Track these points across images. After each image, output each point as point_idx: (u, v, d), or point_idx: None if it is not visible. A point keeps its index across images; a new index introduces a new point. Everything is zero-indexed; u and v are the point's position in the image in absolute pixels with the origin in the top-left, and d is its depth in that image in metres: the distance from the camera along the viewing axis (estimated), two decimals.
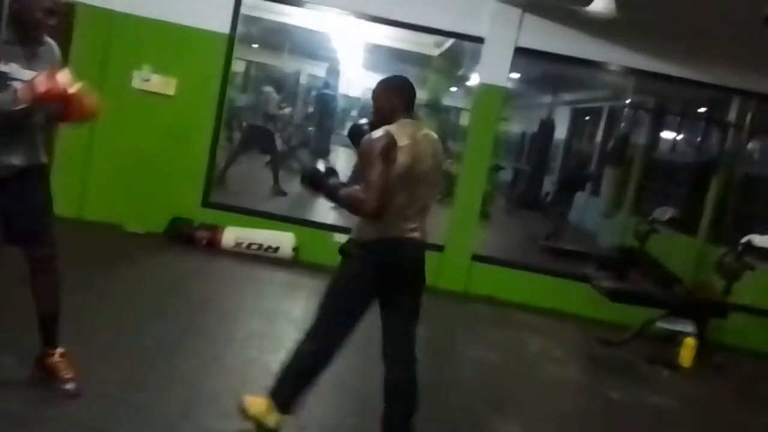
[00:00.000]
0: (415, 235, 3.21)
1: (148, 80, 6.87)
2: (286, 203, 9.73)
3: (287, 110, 13.03)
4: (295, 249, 6.89)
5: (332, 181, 3.27)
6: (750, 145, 9.19)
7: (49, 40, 3.29)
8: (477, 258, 7.15)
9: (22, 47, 3.11)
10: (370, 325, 3.27)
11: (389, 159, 3.02)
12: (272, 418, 3.29)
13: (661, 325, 6.49)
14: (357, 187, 3.14)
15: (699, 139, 10.81)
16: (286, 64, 14.67)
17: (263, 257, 6.77)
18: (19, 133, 3.16)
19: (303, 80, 15.58)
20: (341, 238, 7.53)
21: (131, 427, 3.22)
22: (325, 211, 8.38)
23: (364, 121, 3.49)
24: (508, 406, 4.35)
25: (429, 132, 3.29)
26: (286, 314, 5.38)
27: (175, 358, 4.08)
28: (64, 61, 6.47)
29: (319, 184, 3.29)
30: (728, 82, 7.16)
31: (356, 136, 3.38)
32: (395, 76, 3.40)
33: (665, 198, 9.80)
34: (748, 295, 6.85)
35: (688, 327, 6.41)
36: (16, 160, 3.18)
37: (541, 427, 4.29)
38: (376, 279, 3.19)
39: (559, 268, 7.54)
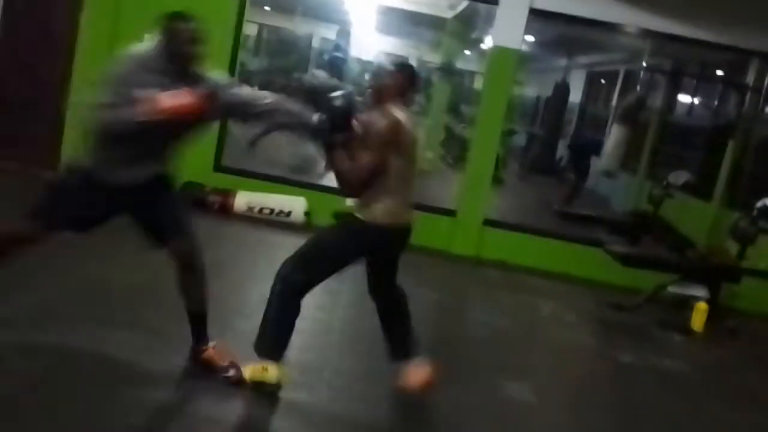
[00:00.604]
0: (407, 219, 3.44)
1: None
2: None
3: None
4: (307, 213, 6.90)
5: (337, 136, 3.29)
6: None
7: (199, 70, 3.35)
8: (489, 223, 7.13)
9: (169, 77, 3.19)
10: None
11: (391, 148, 3.22)
12: (271, 374, 3.37)
13: (674, 289, 6.47)
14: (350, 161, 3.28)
15: (716, 102, 10.65)
16: (298, 27, 14.55)
17: (275, 222, 6.78)
18: (149, 143, 3.26)
19: (315, 43, 15.47)
20: (352, 202, 7.49)
21: (141, 395, 3.25)
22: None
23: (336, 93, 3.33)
24: (518, 369, 4.37)
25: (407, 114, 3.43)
26: None
27: (188, 324, 4.11)
28: (75, 23, 6.44)
29: (327, 132, 3.29)
30: (746, 44, 7.04)
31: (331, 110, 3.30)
32: (403, 62, 3.65)
33: (680, 162, 9.69)
34: (762, 260, 6.81)
35: (700, 291, 6.38)
36: (147, 169, 3.33)
37: (550, 390, 4.31)
38: (359, 253, 3.44)
39: (572, 232, 7.51)
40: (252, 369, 3.40)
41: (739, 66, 9.21)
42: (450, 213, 7.16)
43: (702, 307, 6.07)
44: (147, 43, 3.34)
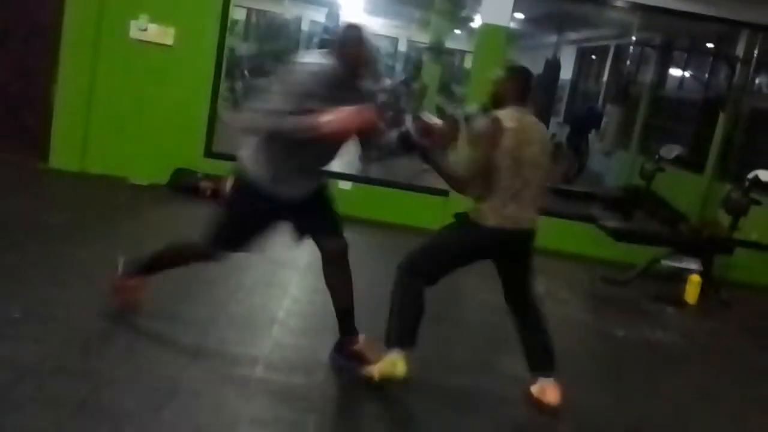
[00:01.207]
0: (524, 224, 3.42)
1: (145, 30, 6.80)
2: None
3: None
4: None
5: (437, 153, 3.46)
6: (758, 80, 9.04)
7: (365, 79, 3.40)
8: (482, 201, 7.12)
9: (342, 90, 3.22)
10: None
11: (493, 145, 3.27)
12: (398, 368, 3.39)
13: (667, 262, 6.51)
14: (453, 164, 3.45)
15: (706, 74, 10.64)
16: (287, 10, 14.46)
17: None
18: (314, 155, 3.36)
19: (305, 27, 15.37)
20: (346, 186, 7.52)
21: (140, 374, 3.27)
22: None
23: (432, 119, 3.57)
24: (513, 346, 4.37)
25: (535, 119, 3.48)
26: (292, 263, 5.41)
27: (181, 306, 4.12)
28: (60, 14, 6.39)
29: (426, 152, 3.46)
30: (736, 16, 7.02)
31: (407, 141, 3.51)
32: (518, 66, 3.74)
33: (672, 136, 9.70)
34: (755, 231, 6.84)
35: (693, 264, 6.42)
36: (311, 183, 3.46)
37: None
38: (480, 252, 3.50)
39: (565, 209, 7.52)
40: (380, 366, 3.42)
41: (728, 38, 9.20)
42: (443, 193, 7.16)
43: (695, 279, 6.10)
44: (317, 55, 3.43)
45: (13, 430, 2.69)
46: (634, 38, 11.13)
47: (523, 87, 3.47)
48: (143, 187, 6.82)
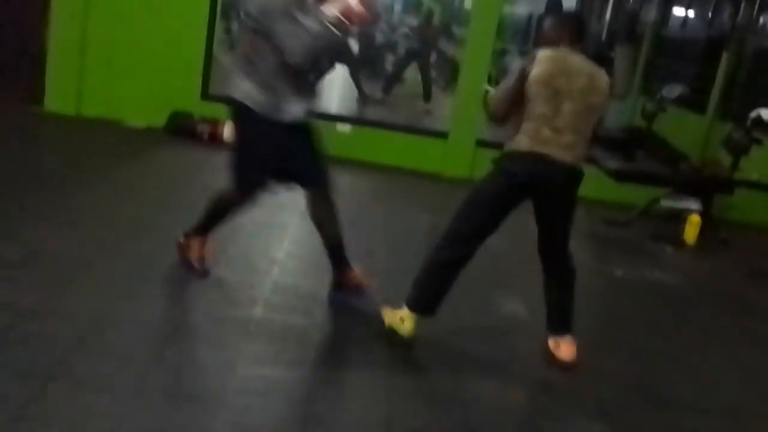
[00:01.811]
0: (562, 155, 3.27)
1: None
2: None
3: None
4: None
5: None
6: (762, 18, 8.87)
7: None
8: (482, 144, 7.07)
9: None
10: None
11: (523, 76, 3.26)
12: (405, 327, 3.39)
13: (667, 203, 6.49)
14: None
15: (710, 13, 10.44)
16: None
17: None
18: (307, 76, 3.37)
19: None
20: (344, 128, 7.48)
21: (140, 316, 3.28)
22: (328, 100, 8.24)
23: None
24: (510, 285, 4.41)
25: (592, 65, 3.37)
26: (292, 204, 5.37)
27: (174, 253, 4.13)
28: None
29: None
30: None
31: None
32: (568, 13, 3.57)
33: (675, 76, 9.56)
34: (755, 171, 6.81)
35: (693, 204, 6.40)
36: (308, 104, 3.44)
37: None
38: (503, 190, 3.34)
39: None
40: (391, 315, 3.44)
41: None
42: (442, 135, 7.11)
43: (695, 219, 6.09)
44: None
45: (11, 370, 2.71)
46: None
47: (570, 31, 3.41)
48: (140, 130, 6.76)
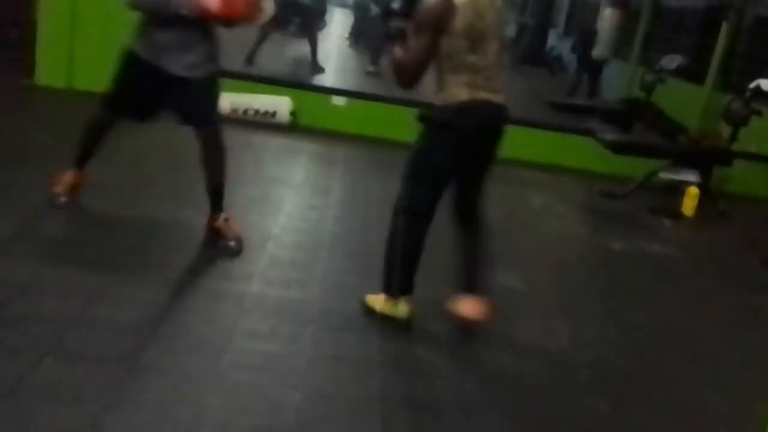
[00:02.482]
0: (497, 98, 3.16)
1: None
2: (282, 66, 9.49)
3: None
4: (293, 113, 6.77)
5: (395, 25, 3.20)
6: None
7: None
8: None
9: None
10: None
11: (441, 29, 3.01)
12: (401, 309, 3.35)
13: (665, 175, 6.46)
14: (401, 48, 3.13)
15: None
16: None
17: (260, 123, 6.66)
18: (188, 31, 3.58)
19: None
20: (339, 101, 7.39)
21: (134, 292, 3.25)
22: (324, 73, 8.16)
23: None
24: (508, 259, 4.37)
25: None
26: (286, 179, 5.35)
27: (174, 225, 4.09)
28: None
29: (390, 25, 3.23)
30: None
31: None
32: None
33: (673, 46, 9.49)
34: (754, 143, 6.77)
35: (691, 176, 6.38)
36: (188, 58, 3.62)
37: (541, 278, 4.34)
38: (457, 146, 3.16)
39: (563, 122, 7.41)
40: (380, 301, 3.38)
41: None
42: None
43: (693, 191, 6.07)
44: None
45: (12, 345, 2.68)
46: None
47: None
48: None
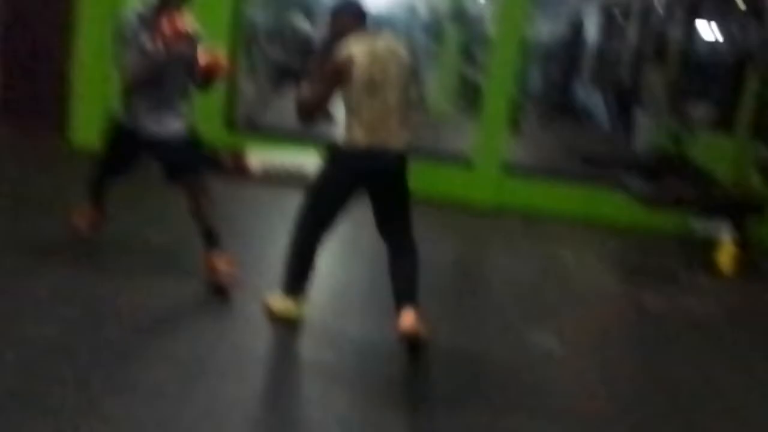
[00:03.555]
0: (394, 142, 3.48)
1: None
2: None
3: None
4: None
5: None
6: None
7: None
8: (507, 169, 7.00)
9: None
10: None
11: (339, 80, 3.41)
12: (293, 307, 3.67)
13: (698, 228, 6.35)
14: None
15: (736, 31, 10.32)
16: None
17: (289, 179, 6.69)
18: (164, 92, 3.90)
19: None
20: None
21: (167, 350, 3.23)
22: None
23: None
24: (543, 319, 4.31)
25: (389, 40, 3.59)
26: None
27: (204, 286, 4.10)
28: None
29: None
30: None
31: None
32: (341, 1, 3.70)
33: (702, 96, 9.45)
34: None
35: (725, 229, 6.25)
36: (169, 123, 3.96)
37: (575, 337, 4.25)
38: (348, 181, 3.52)
39: (593, 175, 7.36)
40: (277, 300, 3.70)
41: None
42: (466, 161, 7.04)
43: (729, 245, 5.94)
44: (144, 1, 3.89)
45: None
46: None
47: (354, 15, 3.58)
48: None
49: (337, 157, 3.55)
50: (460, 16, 11.09)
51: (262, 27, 11.85)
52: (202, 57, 3.93)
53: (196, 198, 4.02)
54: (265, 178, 6.65)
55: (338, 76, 3.41)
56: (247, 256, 4.60)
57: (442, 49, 11.45)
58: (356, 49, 3.42)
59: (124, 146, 4.12)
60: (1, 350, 3.06)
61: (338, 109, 3.55)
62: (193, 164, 4.14)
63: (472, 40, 12.13)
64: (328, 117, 4.06)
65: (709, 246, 6.16)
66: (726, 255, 5.90)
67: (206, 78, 4.03)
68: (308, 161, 6.80)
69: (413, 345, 3.45)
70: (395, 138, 3.50)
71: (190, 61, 3.93)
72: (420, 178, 6.78)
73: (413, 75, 3.72)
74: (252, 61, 10.32)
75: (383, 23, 12.28)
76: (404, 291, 3.55)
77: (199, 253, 4.35)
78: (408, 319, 3.43)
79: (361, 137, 3.43)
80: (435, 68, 11.94)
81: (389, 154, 3.50)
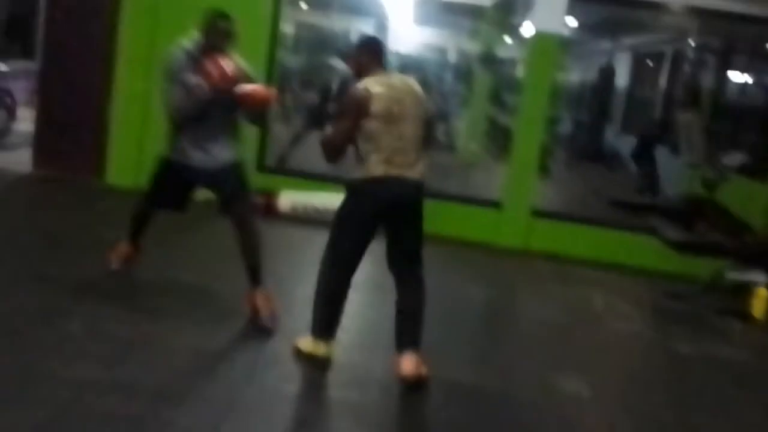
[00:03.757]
0: (411, 173, 3.56)
1: None
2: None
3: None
4: None
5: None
6: None
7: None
8: (537, 213, 6.98)
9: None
10: None
11: (359, 114, 3.48)
12: (321, 348, 3.67)
13: (732, 275, 6.26)
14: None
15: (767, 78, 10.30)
16: (335, 23, 14.51)
17: (321, 221, 6.74)
18: (210, 124, 4.00)
19: (353, 38, 15.39)
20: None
21: (197, 390, 3.25)
22: None
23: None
24: (573, 365, 4.26)
25: (405, 77, 3.75)
26: None
27: (236, 322, 4.12)
28: (114, 31, 6.51)
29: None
30: None
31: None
32: (362, 36, 3.95)
33: (734, 143, 9.39)
34: None
35: (760, 276, 6.15)
36: (216, 153, 4.07)
37: (607, 384, 4.20)
38: (369, 213, 3.57)
39: (624, 220, 7.32)
40: (305, 342, 3.71)
41: None
42: (496, 205, 7.05)
43: (763, 292, 5.85)
44: (190, 38, 4.07)
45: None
46: (691, 43, 10.83)
47: (373, 53, 3.68)
48: (198, 203, 6.85)
49: (356, 189, 3.60)
50: (490, 60, 11.19)
51: (296, 72, 12.09)
52: (244, 88, 3.97)
53: (245, 230, 4.08)
54: (294, 218, 6.70)
55: (358, 110, 3.49)
56: (278, 296, 4.63)
57: (471, 93, 11.52)
58: (374, 83, 3.52)
59: (170, 181, 4.20)
60: (32, 387, 3.10)
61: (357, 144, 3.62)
62: (243, 193, 4.21)
63: (501, 84, 12.22)
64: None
65: (741, 292, 6.06)
66: (759, 301, 5.80)
67: (252, 109, 4.07)
68: (338, 202, 6.86)
69: (414, 384, 3.51)
70: (412, 169, 3.57)
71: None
72: (450, 220, 6.92)
73: (429, 114, 3.79)
74: (285, 106, 10.50)
75: (413, 66, 12.52)
76: (408, 332, 3.61)
77: (229, 293, 4.40)
78: (409, 364, 3.51)
79: (379, 168, 3.50)
80: (464, 111, 12.02)
81: (407, 184, 3.56)
